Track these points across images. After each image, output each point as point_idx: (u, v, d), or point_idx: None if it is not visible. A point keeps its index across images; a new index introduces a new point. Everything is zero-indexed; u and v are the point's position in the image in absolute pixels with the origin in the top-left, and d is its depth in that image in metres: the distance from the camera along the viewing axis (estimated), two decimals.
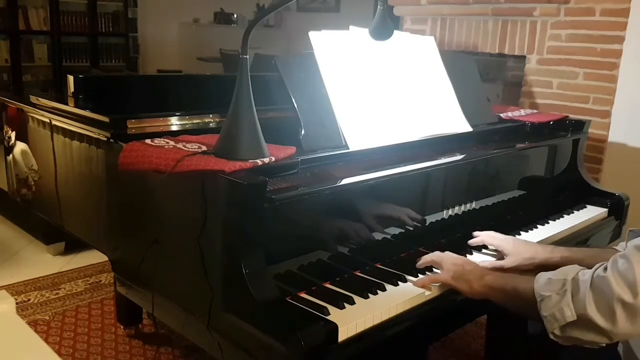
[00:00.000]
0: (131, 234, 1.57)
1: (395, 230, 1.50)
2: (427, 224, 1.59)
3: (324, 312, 1.16)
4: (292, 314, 1.13)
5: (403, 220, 1.52)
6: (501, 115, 2.12)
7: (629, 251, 1.02)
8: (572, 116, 2.27)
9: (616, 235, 2.04)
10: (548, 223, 1.83)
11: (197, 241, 1.23)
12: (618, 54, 2.33)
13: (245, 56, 1.26)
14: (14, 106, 2.21)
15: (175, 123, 1.67)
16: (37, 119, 2.01)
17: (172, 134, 1.49)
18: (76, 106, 1.83)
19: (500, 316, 1.37)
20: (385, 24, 1.42)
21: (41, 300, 2.52)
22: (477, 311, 1.57)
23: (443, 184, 1.64)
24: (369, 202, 1.42)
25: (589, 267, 1.43)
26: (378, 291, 1.28)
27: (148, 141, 1.41)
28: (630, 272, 0.99)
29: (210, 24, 6.70)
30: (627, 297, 0.98)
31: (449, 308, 1.31)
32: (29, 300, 2.52)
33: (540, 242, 1.66)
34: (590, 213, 1.98)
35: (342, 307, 1.20)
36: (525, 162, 2.00)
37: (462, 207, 1.69)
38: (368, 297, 1.25)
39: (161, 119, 1.65)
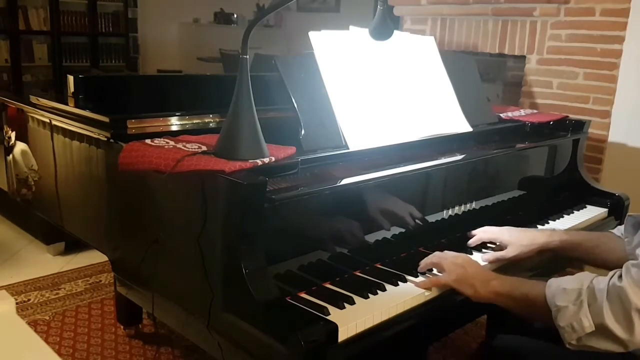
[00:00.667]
0: (131, 234, 1.57)
1: (395, 230, 1.50)
2: (427, 224, 1.59)
3: (324, 312, 1.16)
4: (292, 314, 1.13)
5: (403, 220, 1.52)
6: (501, 115, 2.12)
7: None
8: (572, 116, 2.27)
9: None
10: (548, 223, 1.83)
11: (197, 241, 1.23)
12: (618, 54, 2.33)
13: (245, 56, 1.26)
14: (14, 106, 2.21)
15: (175, 123, 1.67)
16: (37, 119, 2.01)
17: (172, 134, 1.49)
18: (76, 106, 1.83)
19: (500, 316, 1.37)
20: (385, 24, 1.42)
21: (41, 300, 2.52)
22: (477, 311, 1.56)
23: (443, 184, 1.64)
24: (369, 202, 1.42)
25: (588, 251, 1.44)
26: (378, 291, 1.28)
27: (148, 141, 1.41)
28: None
29: (210, 24, 6.70)
30: None
31: (449, 308, 1.31)
32: (29, 300, 2.52)
33: (539, 228, 1.66)
34: (590, 213, 1.98)
35: (342, 307, 1.20)
36: (525, 162, 2.00)
37: (462, 207, 1.69)
38: (368, 297, 1.25)
39: (161, 119, 1.65)
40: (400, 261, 1.47)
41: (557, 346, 1.10)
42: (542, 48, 2.53)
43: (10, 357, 0.87)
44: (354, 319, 1.16)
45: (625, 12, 2.30)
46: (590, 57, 2.41)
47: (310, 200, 1.28)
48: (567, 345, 1.07)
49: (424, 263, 1.38)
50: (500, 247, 1.51)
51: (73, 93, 1.94)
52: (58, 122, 1.85)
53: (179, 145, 1.37)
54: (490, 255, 1.47)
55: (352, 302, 1.22)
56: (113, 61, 6.16)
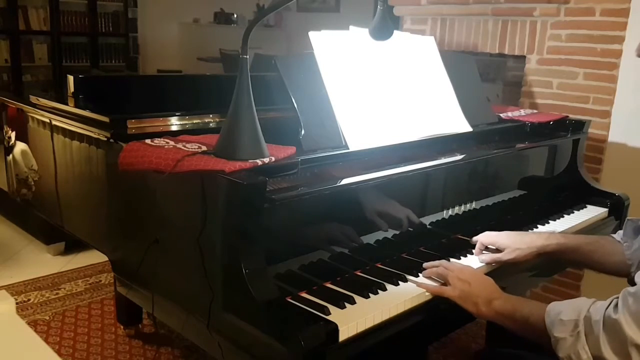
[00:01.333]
0: (131, 234, 1.57)
1: (396, 230, 1.50)
2: (427, 224, 1.59)
3: (324, 312, 1.16)
4: (292, 314, 1.13)
5: (403, 220, 1.52)
6: (501, 115, 2.12)
7: (638, 290, 0.99)
8: (572, 116, 2.27)
9: None
10: (548, 223, 1.83)
11: (197, 241, 1.23)
12: (618, 54, 2.33)
13: (245, 56, 1.26)
14: (14, 106, 2.21)
15: (175, 123, 1.67)
16: (37, 119, 2.01)
17: (172, 134, 1.49)
18: (76, 106, 1.83)
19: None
20: (385, 24, 1.42)
21: (41, 300, 2.52)
22: None
23: (443, 184, 1.64)
24: (369, 202, 1.42)
25: (586, 255, 1.43)
26: (379, 291, 1.28)
27: (148, 141, 1.41)
28: None
29: (210, 24, 6.70)
30: None
31: (449, 308, 1.31)
32: (29, 300, 2.52)
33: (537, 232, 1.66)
34: (590, 213, 1.98)
35: (342, 307, 1.20)
36: (525, 162, 2.00)
37: (462, 207, 1.69)
38: (369, 297, 1.25)
39: (161, 119, 1.65)
40: (401, 261, 1.47)
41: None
42: (542, 48, 2.53)
43: (10, 357, 0.87)
44: (354, 318, 1.16)
45: (625, 12, 2.29)
46: (590, 57, 2.40)
47: (311, 200, 1.28)
48: None
49: (429, 272, 1.37)
50: (498, 250, 1.51)
51: (73, 93, 1.94)
52: (58, 122, 1.85)
53: (179, 145, 1.37)
54: (487, 256, 1.47)
55: (352, 302, 1.22)
56: (113, 61, 6.16)
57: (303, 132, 1.42)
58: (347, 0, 6.02)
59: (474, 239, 1.56)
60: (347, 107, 1.52)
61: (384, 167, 1.46)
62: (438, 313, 1.31)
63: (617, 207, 2.03)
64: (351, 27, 1.63)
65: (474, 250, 1.55)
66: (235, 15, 6.63)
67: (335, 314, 1.17)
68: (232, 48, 5.51)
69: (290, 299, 1.22)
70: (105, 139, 1.58)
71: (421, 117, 1.69)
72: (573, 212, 1.96)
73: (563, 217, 1.90)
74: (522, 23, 2.58)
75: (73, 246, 3.00)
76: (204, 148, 1.33)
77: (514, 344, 1.31)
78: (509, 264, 1.48)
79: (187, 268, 1.32)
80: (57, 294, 2.59)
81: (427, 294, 1.30)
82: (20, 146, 2.20)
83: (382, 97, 1.62)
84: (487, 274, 1.43)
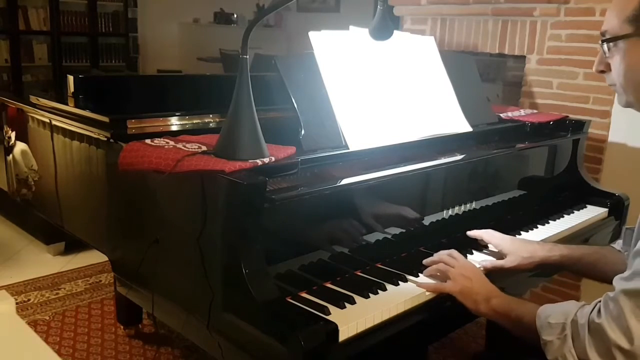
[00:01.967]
0: (131, 234, 1.57)
1: (396, 230, 1.50)
2: (427, 224, 1.59)
3: (324, 312, 1.16)
4: (292, 314, 1.13)
5: (403, 220, 1.52)
6: (501, 115, 2.12)
7: (618, 296, 1.01)
8: (572, 116, 2.27)
9: (616, 235, 2.04)
10: (548, 223, 1.83)
11: (197, 241, 1.23)
12: None
13: (245, 56, 1.26)
14: (14, 106, 2.21)
15: (175, 123, 1.67)
16: (37, 119, 2.01)
17: (172, 134, 1.49)
18: (76, 106, 1.83)
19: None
20: (385, 24, 1.42)
21: (41, 300, 2.52)
22: None
23: (443, 184, 1.64)
24: (369, 202, 1.42)
25: (588, 266, 1.43)
26: (379, 291, 1.28)
27: (148, 141, 1.41)
28: (622, 318, 0.98)
29: (210, 24, 6.70)
30: (624, 344, 0.97)
31: (450, 308, 1.31)
32: (29, 300, 2.52)
33: (541, 241, 1.66)
34: (590, 213, 1.98)
35: (342, 307, 1.20)
36: (525, 162, 2.00)
37: (462, 207, 1.69)
38: (369, 297, 1.25)
39: (161, 119, 1.65)
40: (401, 261, 1.47)
41: None
42: (542, 48, 2.53)
43: (10, 357, 0.87)
44: (354, 318, 1.16)
45: None
46: (590, 57, 2.40)
47: (310, 200, 1.28)
48: None
49: (430, 269, 1.37)
50: (499, 254, 1.51)
51: (73, 93, 1.94)
52: (58, 122, 1.85)
53: (179, 145, 1.37)
54: (488, 263, 1.47)
55: (352, 302, 1.22)
56: (113, 61, 6.16)
57: (303, 132, 1.42)
58: (347, 0, 6.02)
59: (476, 232, 1.56)
60: (347, 107, 1.52)
61: (384, 167, 1.46)
62: (438, 313, 1.31)
63: (617, 207, 2.03)
64: (351, 27, 1.63)
65: (468, 232, 1.56)
66: (235, 15, 6.62)
67: (335, 314, 1.17)
68: (232, 48, 5.51)
69: (290, 299, 1.22)
70: (105, 139, 1.58)
71: (421, 117, 1.69)
72: (573, 212, 1.96)
73: (563, 217, 1.90)
74: (522, 23, 2.58)
75: (73, 246, 3.00)
76: (204, 148, 1.33)
77: (514, 346, 1.31)
78: (510, 271, 1.48)
79: (187, 268, 1.32)
80: (57, 294, 2.59)
81: (427, 293, 1.30)
82: (20, 146, 2.20)
83: (382, 97, 1.62)
84: (486, 274, 1.43)
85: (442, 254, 1.39)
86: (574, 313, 1.07)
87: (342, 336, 1.12)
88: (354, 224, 1.40)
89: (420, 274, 1.38)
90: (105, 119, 1.58)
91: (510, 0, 2.55)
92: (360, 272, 1.38)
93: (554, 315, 1.10)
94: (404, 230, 1.52)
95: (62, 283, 2.70)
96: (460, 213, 1.68)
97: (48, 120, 1.91)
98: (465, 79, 1.94)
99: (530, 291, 2.58)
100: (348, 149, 1.46)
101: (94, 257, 2.88)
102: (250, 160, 1.22)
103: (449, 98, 1.82)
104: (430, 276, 1.37)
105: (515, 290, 1.59)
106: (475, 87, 2.01)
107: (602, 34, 1.12)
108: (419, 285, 1.32)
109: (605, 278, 1.41)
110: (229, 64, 5.50)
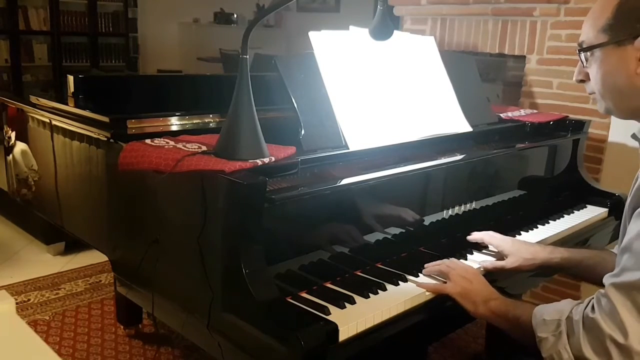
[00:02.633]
0: (131, 234, 1.57)
1: (396, 230, 1.50)
2: (427, 224, 1.59)
3: (324, 312, 1.16)
4: (292, 314, 1.13)
5: (403, 220, 1.52)
6: (501, 115, 2.12)
7: (608, 290, 1.01)
8: (572, 116, 2.27)
9: (616, 236, 2.02)
10: (548, 223, 1.83)
11: (197, 241, 1.23)
12: None
13: (245, 56, 1.26)
14: (14, 106, 2.21)
15: (175, 123, 1.67)
16: (37, 119, 2.01)
17: (172, 134, 1.49)
18: (76, 106, 1.83)
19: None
20: (385, 24, 1.42)
21: (41, 300, 2.52)
22: None
23: (443, 184, 1.64)
24: (369, 202, 1.42)
25: (587, 270, 1.44)
26: (379, 291, 1.28)
27: (148, 141, 1.41)
28: (615, 313, 0.98)
29: (210, 24, 6.70)
30: (619, 337, 0.98)
31: (449, 308, 1.31)
32: (29, 300, 2.52)
33: (541, 242, 1.66)
34: (591, 213, 1.98)
35: (342, 307, 1.20)
36: (525, 162, 2.00)
37: (462, 207, 1.69)
38: (369, 297, 1.25)
39: (161, 119, 1.65)
40: (401, 261, 1.47)
41: None
42: (542, 48, 2.53)
43: (10, 357, 0.87)
44: (354, 318, 1.16)
45: None
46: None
47: (311, 200, 1.28)
48: None
49: (431, 270, 1.37)
50: (500, 255, 1.51)
51: (73, 93, 1.94)
52: (58, 122, 1.85)
53: (179, 145, 1.37)
54: (489, 263, 1.47)
55: (352, 302, 1.22)
56: (113, 61, 6.16)
57: (303, 132, 1.42)
58: (347, 0, 6.02)
59: (477, 236, 1.56)
60: (347, 107, 1.52)
61: (384, 167, 1.46)
62: (438, 313, 1.31)
63: (617, 207, 2.02)
64: (351, 27, 1.63)
65: (468, 237, 1.55)
66: (235, 15, 6.63)
67: (335, 314, 1.17)
68: (232, 48, 5.51)
69: (291, 299, 1.22)
70: (105, 139, 1.58)
71: (421, 117, 1.69)
72: (573, 212, 1.95)
73: (563, 217, 1.90)
74: (522, 23, 2.58)
75: (73, 246, 3.00)
76: (204, 148, 1.33)
77: (513, 347, 1.31)
78: (510, 272, 1.48)
79: (187, 268, 1.32)
80: (57, 294, 2.59)
81: (427, 293, 1.30)
82: (20, 146, 2.20)
83: (382, 97, 1.62)
84: (486, 274, 1.43)
85: (443, 261, 1.40)
86: (569, 310, 1.08)
87: (342, 336, 1.11)
88: (354, 224, 1.40)
89: (420, 274, 1.38)
90: (105, 119, 1.58)
91: (510, 0, 2.55)
92: (360, 272, 1.38)
93: (549, 313, 1.10)
94: (404, 230, 1.52)
95: (62, 283, 2.70)
96: (460, 213, 1.68)
97: (48, 120, 1.91)
98: (465, 79, 1.94)
99: (530, 291, 2.58)
100: (348, 149, 1.46)
101: (94, 257, 2.88)
102: (250, 160, 1.22)
103: (449, 98, 1.82)
104: (430, 277, 1.37)
105: (515, 290, 1.60)
106: (475, 87, 2.01)
107: (580, 45, 1.16)
108: (419, 285, 1.32)
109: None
110: (229, 64, 5.50)
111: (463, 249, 1.54)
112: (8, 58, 5.45)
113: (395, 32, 1.48)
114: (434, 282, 1.35)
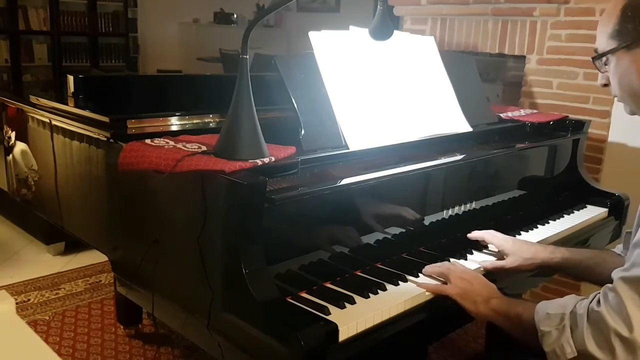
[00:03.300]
0: (131, 234, 1.57)
1: (396, 230, 1.50)
2: (427, 224, 1.59)
3: (324, 312, 1.16)
4: (292, 314, 1.13)
5: (403, 220, 1.52)
6: (501, 115, 2.12)
7: (616, 284, 1.01)
8: (572, 116, 2.27)
9: (616, 235, 2.04)
10: (548, 223, 1.83)
11: (197, 241, 1.23)
12: None
13: (245, 56, 1.26)
14: (14, 106, 2.21)
15: (175, 123, 1.67)
16: (37, 119, 2.01)
17: (172, 134, 1.49)
18: (76, 106, 1.83)
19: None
20: (385, 24, 1.42)
21: (41, 300, 2.52)
22: None
23: (443, 184, 1.64)
24: (369, 202, 1.42)
25: (588, 270, 1.44)
26: (379, 291, 1.28)
27: (148, 141, 1.41)
28: (622, 307, 0.98)
29: (210, 24, 6.70)
30: (624, 331, 0.97)
31: (449, 308, 1.31)
32: (29, 300, 2.52)
33: (541, 242, 1.66)
34: (591, 213, 1.98)
35: (342, 307, 1.20)
36: (525, 162, 2.00)
37: (462, 207, 1.69)
38: (369, 297, 1.25)
39: (161, 119, 1.65)
40: (401, 261, 1.47)
41: None
42: (542, 48, 2.53)
43: (10, 357, 0.87)
44: (354, 318, 1.16)
45: None
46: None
47: (310, 200, 1.28)
48: None
49: (431, 271, 1.37)
50: (499, 255, 1.51)
51: (73, 93, 1.94)
52: (58, 122, 1.85)
53: (179, 145, 1.37)
54: (489, 263, 1.48)
55: (352, 302, 1.22)
56: (113, 61, 6.16)
57: (303, 132, 1.42)
58: (347, 0, 6.02)
59: (477, 234, 1.55)
60: (347, 107, 1.52)
61: (384, 167, 1.46)
62: (438, 313, 1.31)
63: (617, 207, 2.03)
64: (351, 27, 1.63)
65: (469, 235, 1.56)
66: (235, 15, 6.63)
67: (335, 314, 1.17)
68: (232, 48, 5.51)
69: (291, 299, 1.22)
70: (105, 139, 1.58)
71: (421, 117, 1.69)
72: (573, 212, 1.95)
73: (563, 217, 1.90)
74: (522, 23, 2.58)
75: (73, 246, 3.00)
76: (204, 148, 1.33)
77: (513, 347, 1.31)
78: (510, 272, 1.48)
79: (187, 268, 1.32)
80: (57, 294, 2.59)
81: (427, 293, 1.30)
82: (20, 146, 2.20)
83: (382, 97, 1.62)
84: (485, 274, 1.43)
85: (443, 263, 1.40)
86: (573, 305, 1.08)
87: (342, 336, 1.11)
88: (354, 224, 1.40)
89: (420, 274, 1.38)
90: (105, 119, 1.58)
91: (510, 0, 2.55)
92: (360, 272, 1.38)
93: (552, 307, 1.10)
94: (403, 230, 1.52)
95: (62, 283, 2.70)
96: (460, 213, 1.68)
97: (48, 120, 1.92)
98: (465, 79, 1.94)
99: (530, 291, 2.58)
100: (348, 149, 1.46)
101: (94, 257, 2.88)
102: (250, 160, 1.22)
103: (448, 98, 1.82)
104: (430, 278, 1.37)
105: (514, 290, 1.60)
106: (475, 87, 2.01)
107: (595, 52, 1.22)
108: (419, 285, 1.32)
109: (604, 282, 1.42)
110: (229, 64, 5.51)
111: (463, 248, 1.54)
112: (8, 58, 5.45)
113: (395, 32, 1.48)
114: (434, 282, 1.35)
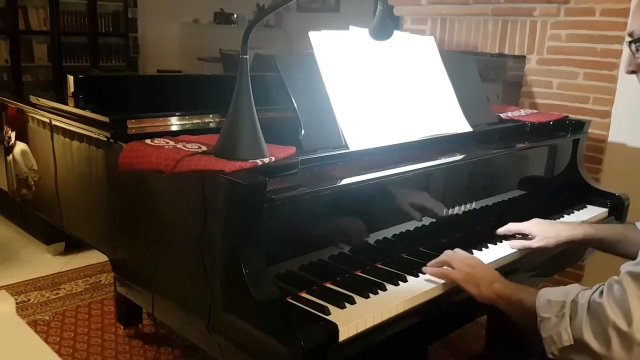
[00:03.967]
0: (131, 234, 1.57)
1: (396, 230, 1.50)
2: (427, 224, 1.59)
3: (324, 312, 1.16)
4: (292, 314, 1.13)
5: (403, 220, 1.52)
6: (501, 115, 2.12)
7: (623, 278, 1.02)
8: (572, 116, 2.27)
9: None
10: None
11: (197, 241, 1.23)
12: (618, 54, 2.33)
13: (245, 56, 1.26)
14: (14, 106, 2.21)
15: (175, 123, 1.67)
16: (37, 119, 2.01)
17: (172, 134, 1.49)
18: (76, 106, 1.83)
19: (500, 316, 1.38)
20: (385, 24, 1.42)
21: (41, 300, 2.52)
22: (477, 311, 1.56)
23: (443, 184, 1.64)
24: (369, 202, 1.42)
25: (611, 246, 1.48)
26: (379, 291, 1.28)
27: (148, 141, 1.41)
28: (625, 300, 0.99)
29: (210, 24, 6.70)
30: (622, 325, 0.98)
31: (449, 308, 1.31)
32: (29, 300, 2.52)
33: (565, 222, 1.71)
34: (591, 213, 1.98)
35: (342, 307, 1.20)
36: (525, 162, 2.00)
37: (462, 207, 1.69)
38: (369, 297, 1.25)
39: (161, 119, 1.65)
40: (401, 261, 1.47)
41: None
42: (542, 48, 2.53)
43: (10, 357, 0.87)
44: (354, 318, 1.16)
45: (625, 12, 2.30)
46: (590, 57, 2.40)
47: (310, 200, 1.28)
48: (549, 355, 1.08)
49: (434, 261, 1.39)
50: (526, 237, 1.57)
51: (73, 93, 1.94)
52: (58, 122, 1.85)
53: (179, 145, 1.37)
54: (517, 242, 1.55)
55: (352, 302, 1.22)
56: (113, 61, 6.16)
57: (303, 132, 1.42)
58: (347, 0, 6.01)
59: (503, 229, 1.62)
60: (347, 107, 1.52)
61: (384, 167, 1.46)
62: (438, 313, 1.31)
63: (617, 207, 2.03)
64: (351, 27, 1.63)
65: (497, 230, 1.62)
66: (235, 15, 6.62)
67: (335, 314, 1.17)
68: (232, 48, 5.51)
69: (291, 299, 1.22)
70: (105, 139, 1.58)
71: (421, 117, 1.69)
72: (573, 212, 1.96)
73: (563, 217, 1.90)
74: (522, 23, 2.58)
75: (73, 246, 3.00)
76: (204, 148, 1.33)
77: (513, 347, 1.31)
78: (538, 251, 1.55)
79: (187, 268, 1.32)
80: (57, 294, 2.59)
81: (427, 293, 1.30)
82: (20, 146, 2.20)
83: (382, 97, 1.62)
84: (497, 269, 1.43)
85: (445, 252, 1.41)
86: (575, 294, 1.08)
87: (342, 336, 1.11)
88: (353, 224, 1.40)
89: (420, 274, 1.38)
90: (105, 119, 1.58)
91: (510, 0, 2.55)
92: (360, 272, 1.38)
93: (554, 294, 1.11)
94: (403, 230, 1.52)
95: (62, 283, 2.70)
96: (460, 213, 1.68)
97: (48, 120, 1.91)
98: (465, 79, 1.94)
99: None
100: (348, 149, 1.46)
101: (94, 257, 2.88)
102: (250, 160, 1.22)
103: (448, 98, 1.82)
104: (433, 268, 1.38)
105: None
106: (475, 87, 2.01)
107: (630, 35, 1.17)
108: (425, 270, 1.35)
109: (628, 256, 1.45)
110: (229, 64, 5.51)
111: (463, 248, 1.54)
112: (8, 58, 5.45)
113: (395, 32, 1.48)
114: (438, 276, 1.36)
